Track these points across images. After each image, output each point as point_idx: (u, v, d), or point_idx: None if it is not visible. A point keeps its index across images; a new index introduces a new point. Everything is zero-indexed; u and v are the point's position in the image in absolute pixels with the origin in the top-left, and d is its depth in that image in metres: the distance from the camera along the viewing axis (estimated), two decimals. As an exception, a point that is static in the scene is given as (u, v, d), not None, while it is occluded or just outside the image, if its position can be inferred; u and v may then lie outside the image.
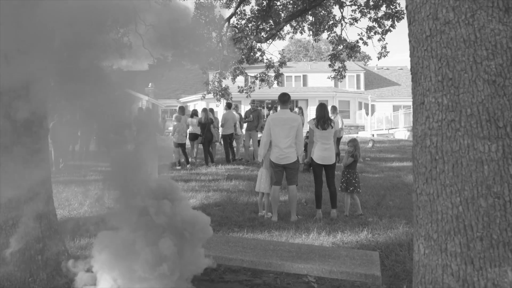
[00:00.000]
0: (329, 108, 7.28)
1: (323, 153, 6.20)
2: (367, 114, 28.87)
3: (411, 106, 2.17)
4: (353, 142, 6.48)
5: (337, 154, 11.10)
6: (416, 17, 2.04)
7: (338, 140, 11.70)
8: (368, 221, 6.01)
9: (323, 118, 6.22)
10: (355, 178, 6.33)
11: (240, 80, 16.98)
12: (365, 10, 12.20)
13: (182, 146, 12.53)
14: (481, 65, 1.82)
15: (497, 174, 1.79)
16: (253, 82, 15.47)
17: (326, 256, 3.65)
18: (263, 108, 29.28)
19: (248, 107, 13.81)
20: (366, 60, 52.79)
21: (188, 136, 13.30)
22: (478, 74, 1.82)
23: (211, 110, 13.36)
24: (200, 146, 13.45)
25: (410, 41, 2.12)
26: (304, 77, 34.83)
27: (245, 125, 12.98)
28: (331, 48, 14.75)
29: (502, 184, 1.77)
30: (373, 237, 5.30)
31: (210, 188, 8.75)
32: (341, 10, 12.34)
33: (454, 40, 1.88)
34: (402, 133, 21.54)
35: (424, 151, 1.99)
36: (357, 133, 27.39)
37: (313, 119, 6.39)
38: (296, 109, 12.57)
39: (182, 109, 13.38)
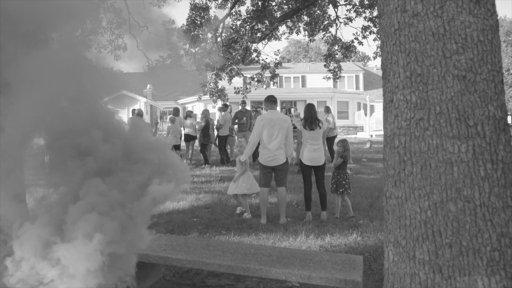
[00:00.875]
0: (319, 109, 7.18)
1: (312, 154, 6.09)
2: (365, 114, 28.73)
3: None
4: (343, 142, 6.37)
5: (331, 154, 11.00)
6: (385, 10, 1.92)
7: (332, 139, 11.59)
8: (359, 223, 5.90)
9: (310, 119, 6.11)
10: (345, 179, 6.21)
11: (237, 81, 16.88)
12: (360, 9, 12.08)
13: (176, 147, 12.44)
14: (451, 60, 1.70)
15: (467, 176, 1.66)
16: (249, 83, 15.38)
17: (307, 261, 3.53)
18: (262, 109, 29.17)
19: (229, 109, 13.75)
20: (365, 60, 52.69)
21: (183, 138, 13.22)
22: (447, 69, 1.70)
23: (207, 111, 13.29)
24: (196, 147, 13.37)
25: (380, 36, 2.00)
26: (303, 77, 34.75)
27: (235, 126, 12.90)
28: (326, 49, 14.65)
29: (473, 187, 1.65)
30: (362, 240, 5.19)
31: (201, 190, 8.64)
32: (335, 9, 12.22)
33: (422, 33, 1.76)
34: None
35: (392, 152, 1.87)
36: (356, 133, 27.26)
37: (301, 119, 6.27)
38: (293, 110, 12.48)
39: (177, 110, 13.31)
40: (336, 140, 11.75)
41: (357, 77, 34.30)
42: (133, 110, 10.05)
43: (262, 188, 6.06)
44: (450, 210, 1.67)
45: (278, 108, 19.33)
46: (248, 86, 15.27)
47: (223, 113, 12.76)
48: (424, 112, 1.74)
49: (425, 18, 1.74)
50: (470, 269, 1.62)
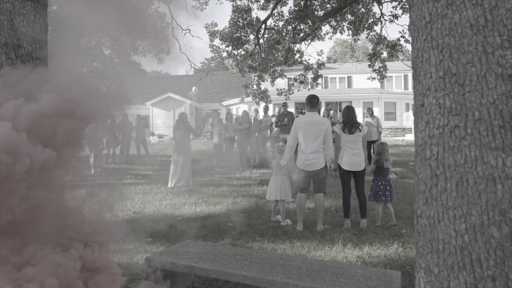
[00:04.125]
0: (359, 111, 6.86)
1: (351, 159, 5.80)
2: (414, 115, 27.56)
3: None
4: (377, 147, 6.03)
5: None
6: (415, 1, 1.66)
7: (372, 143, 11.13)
8: (401, 232, 5.56)
9: (350, 122, 5.82)
10: (386, 186, 5.85)
11: (280, 82, 16.71)
12: (406, 5, 11.51)
13: (218, 148, 12.52)
14: (493, 56, 1.42)
15: (513, 195, 1.38)
16: (292, 85, 15.17)
17: (339, 275, 3.28)
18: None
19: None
20: (415, 59, 50.73)
21: (224, 139, 13.26)
22: (488, 67, 1.42)
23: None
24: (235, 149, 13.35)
25: (410, 31, 1.74)
26: (349, 78, 34.00)
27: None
28: (370, 48, 14.14)
29: (520, 209, 1.37)
30: (404, 251, 4.86)
31: (239, 194, 8.53)
32: (380, 7, 11.73)
33: (458, 25, 1.49)
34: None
35: (424, 164, 1.61)
36: (404, 135, 26.24)
37: (340, 123, 5.99)
38: (332, 112, 12.14)
39: (217, 113, 13.41)
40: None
41: (405, 76, 33.06)
42: (180, 114, 10.17)
43: (300, 193, 5.85)
44: (492, 235, 1.39)
45: (322, 110, 18.93)
46: (291, 88, 15.06)
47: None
48: (460, 118, 1.47)
49: (461, 8, 1.48)
50: (517, 308, 1.34)
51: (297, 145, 5.96)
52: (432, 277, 1.55)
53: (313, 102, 5.89)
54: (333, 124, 7.31)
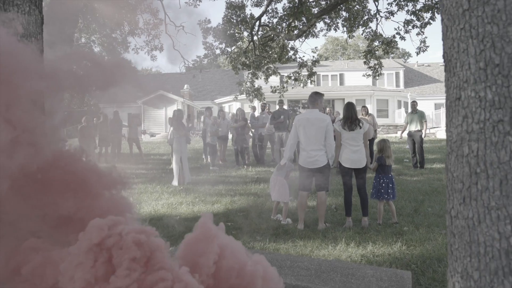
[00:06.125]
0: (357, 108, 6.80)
1: (351, 156, 5.71)
2: (406, 113, 27.71)
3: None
4: (379, 144, 5.95)
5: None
6: (449, -13, 1.56)
7: (371, 141, 11.09)
8: (403, 230, 5.48)
9: (350, 119, 5.72)
10: (388, 184, 5.77)
11: (274, 80, 16.61)
12: (402, 2, 11.46)
13: (212, 147, 12.38)
14: (541, 45, 1.33)
15: None
16: (286, 82, 15.08)
17: (349, 276, 3.18)
18: (300, 107, 28.82)
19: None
20: (406, 57, 51.09)
21: (217, 137, 13.12)
22: (536, 57, 1.33)
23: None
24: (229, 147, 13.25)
25: (442, 20, 1.64)
26: (341, 75, 34.05)
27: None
28: (364, 46, 14.09)
29: None
30: (407, 249, 4.78)
31: (236, 192, 8.41)
32: (376, 3, 11.66)
33: (502, 12, 1.38)
34: (445, 133, 20.44)
35: (460, 161, 1.50)
36: (396, 132, 26.31)
37: (340, 120, 5.90)
38: (328, 109, 12.08)
39: (209, 110, 13.27)
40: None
41: (397, 74, 33.21)
42: (174, 111, 10.04)
43: (301, 192, 5.75)
44: (541, 237, 1.30)
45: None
46: (285, 85, 14.96)
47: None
48: (504, 112, 1.37)
49: (505, -7, 1.38)
50: None
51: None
52: (471, 282, 1.45)
53: (312, 98, 5.79)
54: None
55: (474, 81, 1.46)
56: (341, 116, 8.10)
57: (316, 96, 5.76)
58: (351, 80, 32.80)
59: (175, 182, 9.44)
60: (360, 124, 5.74)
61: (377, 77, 13.59)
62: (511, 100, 1.36)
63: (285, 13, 13.46)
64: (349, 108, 5.87)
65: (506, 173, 1.37)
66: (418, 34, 11.89)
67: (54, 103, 2.36)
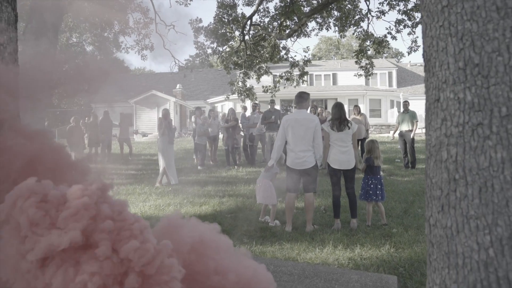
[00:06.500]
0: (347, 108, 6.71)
1: (340, 157, 5.63)
2: (398, 112, 27.74)
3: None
4: (367, 145, 5.88)
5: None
6: (428, -18, 1.48)
7: (362, 141, 11.04)
8: (392, 232, 5.42)
9: (339, 119, 5.65)
10: (377, 185, 5.70)
11: (266, 79, 16.51)
12: (394, 2, 11.41)
13: (200, 146, 12.28)
14: (523, 44, 1.24)
15: (547, 203, 1.20)
16: (278, 82, 14.98)
17: (333, 281, 3.09)
18: (293, 107, 28.77)
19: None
20: (399, 57, 51.24)
21: (208, 138, 13.02)
22: (517, 56, 1.24)
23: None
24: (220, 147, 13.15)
25: (422, 17, 1.55)
26: (334, 75, 34.02)
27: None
28: (357, 45, 14.04)
29: (556, 219, 1.19)
30: (396, 251, 4.71)
31: (225, 193, 8.31)
32: (367, 2, 11.61)
33: (482, 8, 1.30)
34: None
35: (439, 166, 1.42)
36: (389, 132, 26.35)
37: (329, 120, 5.82)
38: (319, 109, 12.01)
39: (200, 110, 13.16)
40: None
41: (390, 74, 33.25)
42: (163, 110, 9.94)
43: (289, 193, 5.66)
44: (522, 249, 1.22)
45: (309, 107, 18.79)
46: (277, 85, 14.87)
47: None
48: (484, 114, 1.28)
49: (485, -11, 1.29)
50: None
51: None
52: (449, 295, 1.37)
53: (299, 98, 5.70)
54: (321, 121, 7.15)
55: (453, 81, 1.37)
56: None
57: (302, 96, 5.67)
58: (344, 80, 32.79)
59: (157, 183, 9.35)
60: (349, 125, 5.66)
61: (368, 77, 13.53)
62: (491, 102, 1.27)
63: (277, 12, 13.36)
64: (338, 108, 5.79)
65: (486, 180, 1.28)
66: (409, 33, 11.87)
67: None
